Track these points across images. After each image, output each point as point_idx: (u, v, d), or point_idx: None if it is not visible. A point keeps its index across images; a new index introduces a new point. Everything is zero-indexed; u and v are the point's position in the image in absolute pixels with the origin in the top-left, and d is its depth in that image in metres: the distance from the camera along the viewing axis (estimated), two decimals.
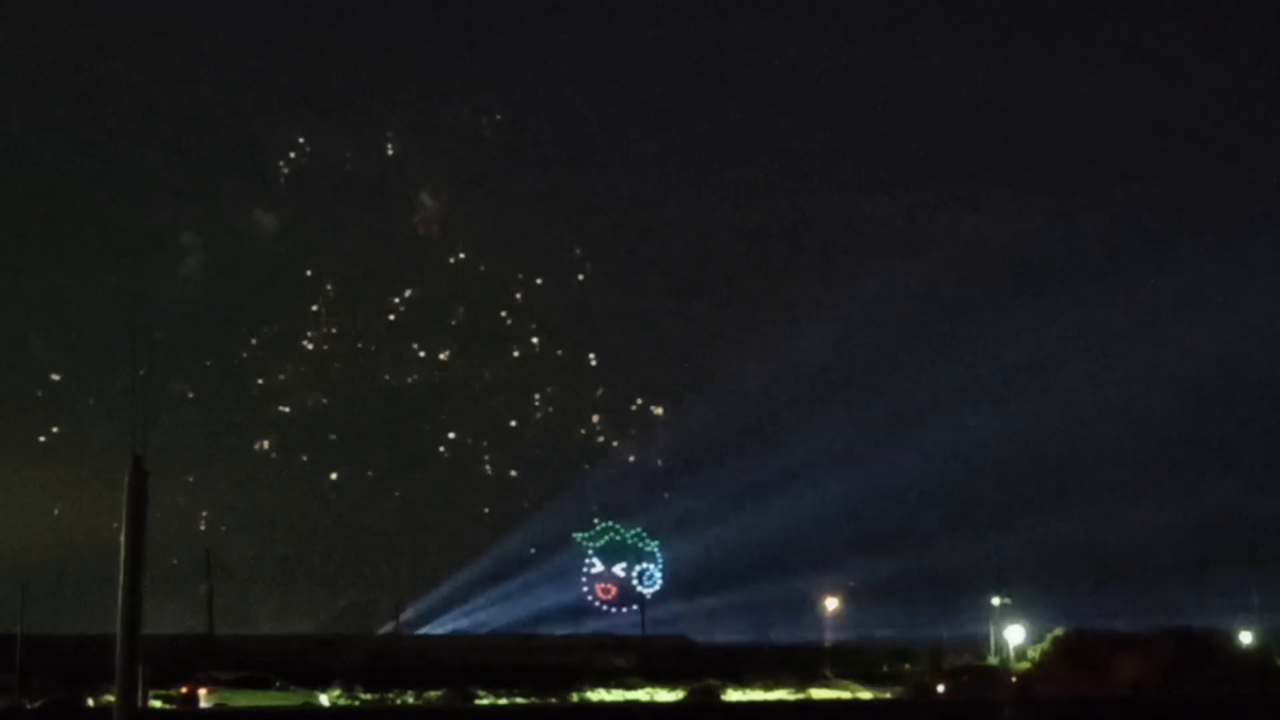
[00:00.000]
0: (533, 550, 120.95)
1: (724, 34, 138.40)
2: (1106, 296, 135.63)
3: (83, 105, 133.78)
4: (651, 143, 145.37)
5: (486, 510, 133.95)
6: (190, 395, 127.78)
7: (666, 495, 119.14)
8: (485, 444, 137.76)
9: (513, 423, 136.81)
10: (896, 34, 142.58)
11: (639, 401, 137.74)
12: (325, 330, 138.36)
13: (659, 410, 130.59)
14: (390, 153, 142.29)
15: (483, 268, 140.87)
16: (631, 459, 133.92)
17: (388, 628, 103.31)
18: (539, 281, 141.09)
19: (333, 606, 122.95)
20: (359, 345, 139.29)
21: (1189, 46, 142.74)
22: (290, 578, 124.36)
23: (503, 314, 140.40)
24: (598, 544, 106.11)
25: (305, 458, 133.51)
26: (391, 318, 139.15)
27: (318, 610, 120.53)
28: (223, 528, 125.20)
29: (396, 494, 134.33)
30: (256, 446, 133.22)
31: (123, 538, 18.35)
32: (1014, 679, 74.53)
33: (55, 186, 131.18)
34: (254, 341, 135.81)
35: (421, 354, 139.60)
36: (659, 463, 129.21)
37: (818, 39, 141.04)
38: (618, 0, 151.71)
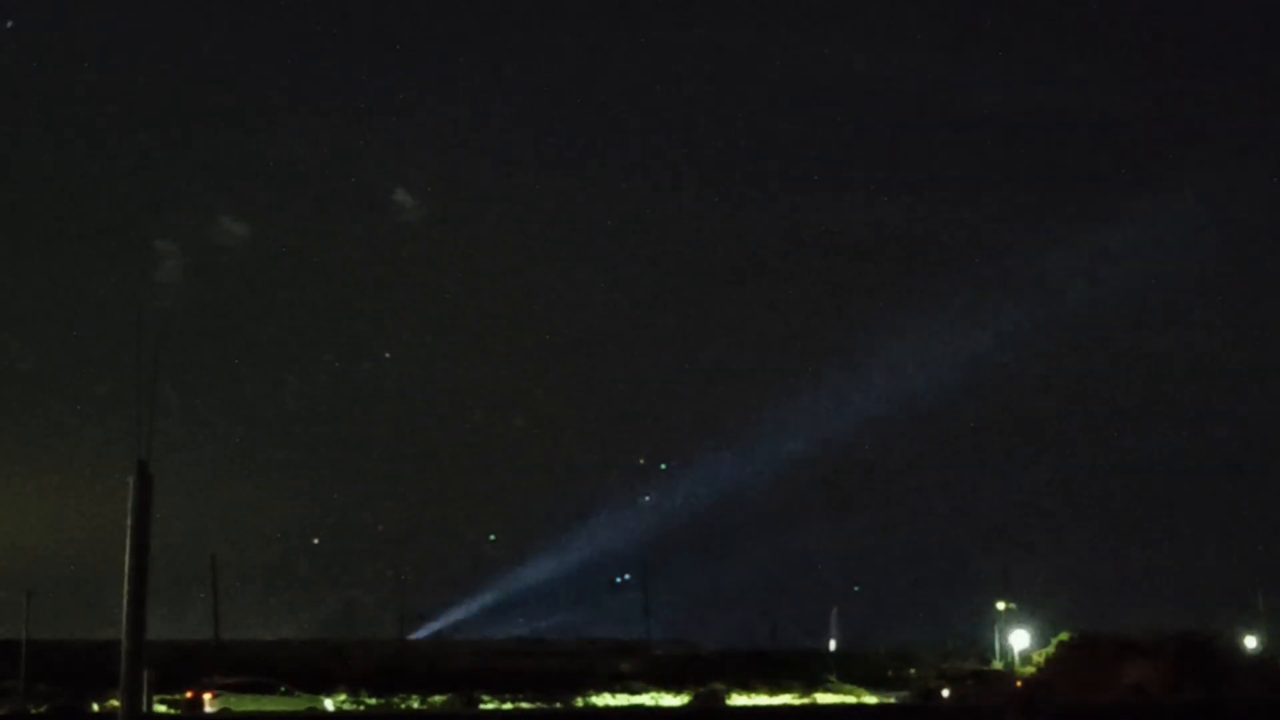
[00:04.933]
0: (534, 552, 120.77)
1: (726, 37, 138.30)
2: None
3: (74, 106, 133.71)
4: (652, 146, 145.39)
5: (485, 514, 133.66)
6: (188, 399, 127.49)
7: (648, 498, 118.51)
8: (482, 446, 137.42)
9: (516, 424, 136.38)
10: (904, 39, 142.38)
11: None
12: (319, 334, 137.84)
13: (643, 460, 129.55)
14: (383, 154, 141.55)
15: (477, 271, 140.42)
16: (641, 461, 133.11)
17: (392, 632, 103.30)
18: (535, 284, 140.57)
19: (328, 609, 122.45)
20: (353, 349, 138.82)
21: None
22: (288, 581, 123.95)
23: (497, 318, 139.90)
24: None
25: (304, 460, 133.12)
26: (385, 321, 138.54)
27: (314, 613, 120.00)
28: (223, 534, 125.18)
29: (395, 499, 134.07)
30: (256, 450, 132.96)
31: (127, 543, 18.41)
32: (1019, 683, 74.58)
33: (52, 188, 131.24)
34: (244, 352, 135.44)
35: (414, 358, 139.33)
36: (663, 466, 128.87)
37: (821, 43, 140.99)
38: (618, 3, 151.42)
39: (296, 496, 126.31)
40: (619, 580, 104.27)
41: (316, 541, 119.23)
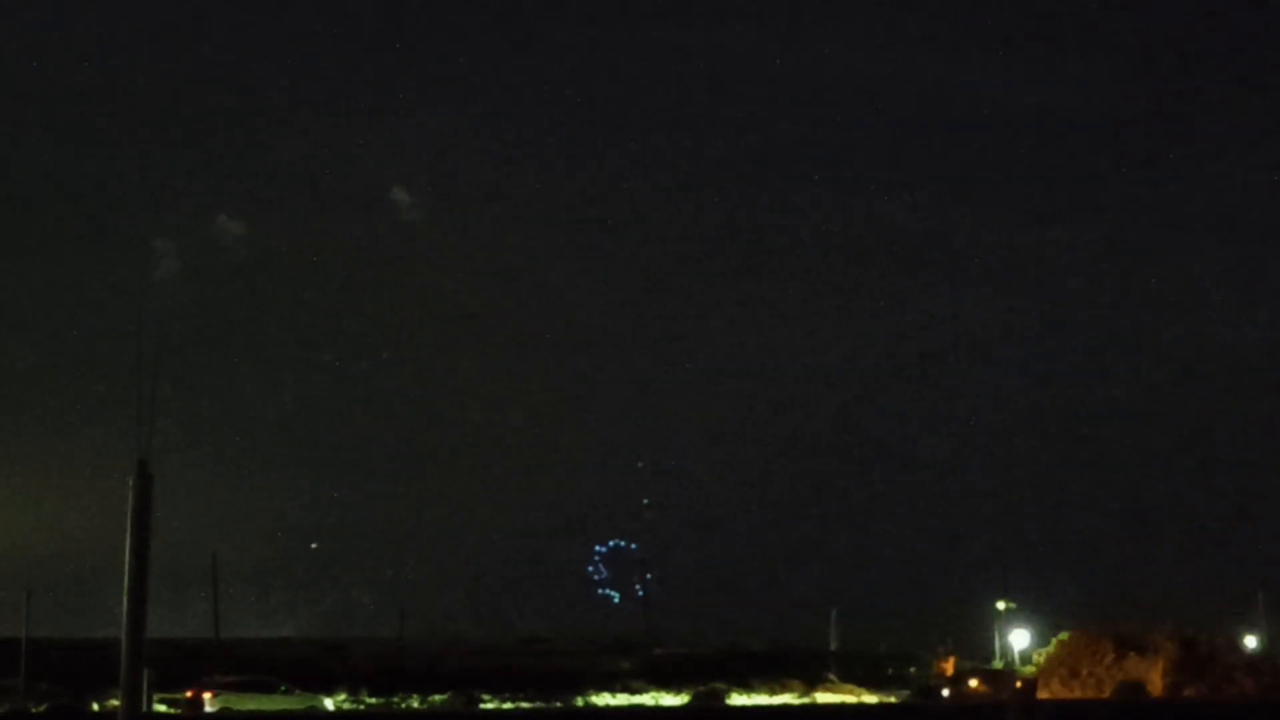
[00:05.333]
0: (532, 550, 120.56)
1: (727, 36, 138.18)
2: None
3: (74, 106, 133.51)
4: (652, 146, 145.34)
5: (484, 513, 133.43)
6: (187, 399, 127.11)
7: (645, 501, 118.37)
8: (481, 445, 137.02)
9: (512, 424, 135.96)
10: (904, 39, 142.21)
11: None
12: (316, 333, 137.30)
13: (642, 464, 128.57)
14: (381, 154, 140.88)
15: (476, 270, 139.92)
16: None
17: (391, 631, 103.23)
18: (533, 283, 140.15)
19: (327, 608, 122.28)
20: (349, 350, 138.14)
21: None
22: (287, 580, 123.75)
23: (495, 317, 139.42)
24: (603, 549, 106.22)
25: (303, 459, 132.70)
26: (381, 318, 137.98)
27: (313, 612, 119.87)
28: (222, 533, 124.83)
29: (394, 499, 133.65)
30: (255, 449, 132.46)
31: (127, 542, 18.40)
32: (1018, 682, 74.56)
33: (52, 188, 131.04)
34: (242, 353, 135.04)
35: (412, 357, 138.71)
36: (660, 465, 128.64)
37: (821, 43, 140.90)
38: (618, 3, 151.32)
39: (296, 496, 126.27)
40: (641, 583, 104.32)
41: (315, 546, 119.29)
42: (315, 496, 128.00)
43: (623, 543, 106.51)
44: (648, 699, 69.47)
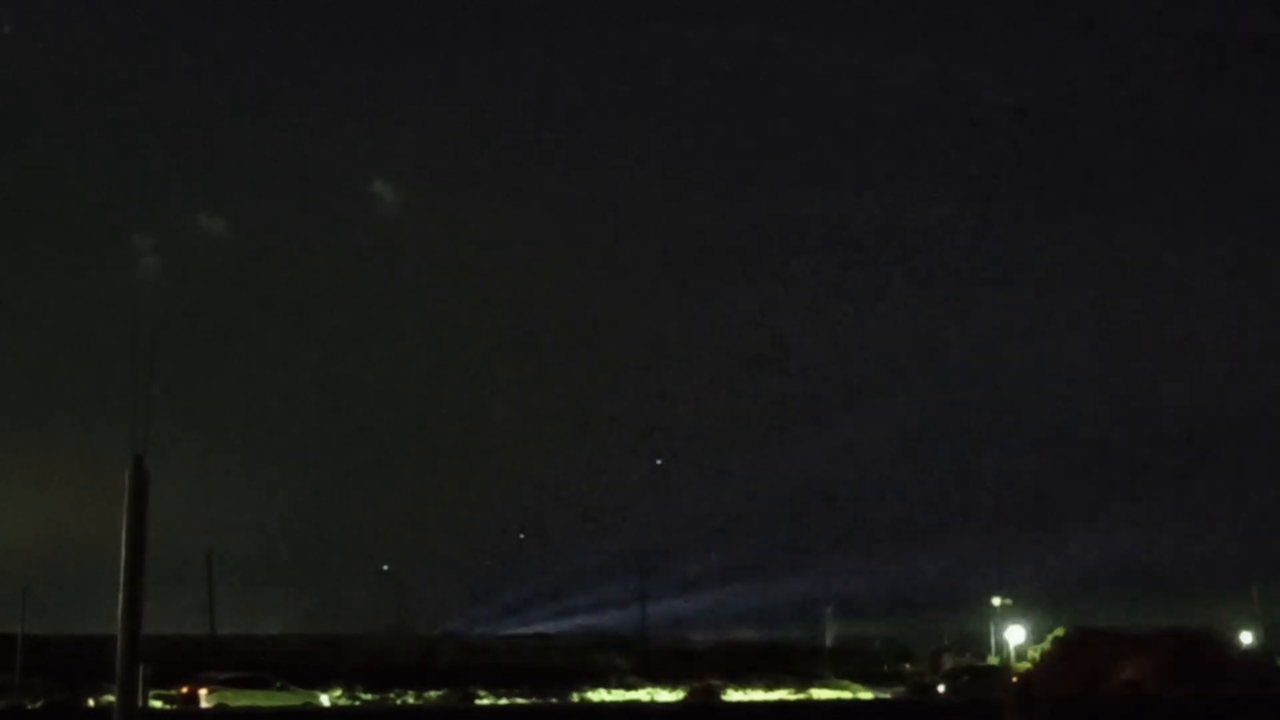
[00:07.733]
0: (529, 548, 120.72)
1: (726, 35, 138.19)
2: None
3: (60, 105, 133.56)
4: (649, 142, 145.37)
5: (482, 506, 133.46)
6: (181, 396, 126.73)
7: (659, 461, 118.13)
8: (476, 442, 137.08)
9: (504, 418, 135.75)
10: (902, 34, 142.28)
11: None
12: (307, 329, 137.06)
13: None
14: (369, 151, 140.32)
15: (468, 266, 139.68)
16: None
17: (388, 626, 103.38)
18: (524, 279, 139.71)
19: (322, 605, 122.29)
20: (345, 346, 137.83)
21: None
22: (283, 577, 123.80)
23: (491, 316, 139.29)
24: None
25: (297, 456, 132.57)
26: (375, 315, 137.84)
27: (308, 609, 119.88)
28: (217, 531, 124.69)
29: (391, 496, 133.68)
30: (244, 446, 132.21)
31: (123, 537, 18.46)
32: (1014, 679, 74.64)
33: (47, 188, 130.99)
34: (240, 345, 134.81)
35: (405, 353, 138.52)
36: (658, 462, 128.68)
37: (820, 41, 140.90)
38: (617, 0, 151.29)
39: (284, 492, 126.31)
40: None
41: (302, 551, 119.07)
42: (305, 492, 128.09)
43: None
44: (643, 695, 69.54)
